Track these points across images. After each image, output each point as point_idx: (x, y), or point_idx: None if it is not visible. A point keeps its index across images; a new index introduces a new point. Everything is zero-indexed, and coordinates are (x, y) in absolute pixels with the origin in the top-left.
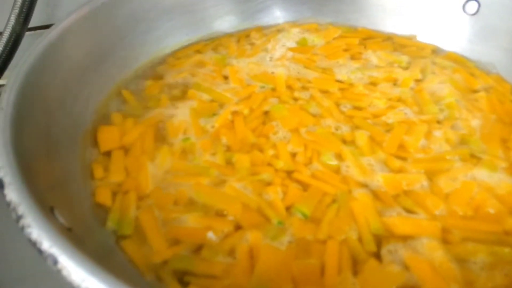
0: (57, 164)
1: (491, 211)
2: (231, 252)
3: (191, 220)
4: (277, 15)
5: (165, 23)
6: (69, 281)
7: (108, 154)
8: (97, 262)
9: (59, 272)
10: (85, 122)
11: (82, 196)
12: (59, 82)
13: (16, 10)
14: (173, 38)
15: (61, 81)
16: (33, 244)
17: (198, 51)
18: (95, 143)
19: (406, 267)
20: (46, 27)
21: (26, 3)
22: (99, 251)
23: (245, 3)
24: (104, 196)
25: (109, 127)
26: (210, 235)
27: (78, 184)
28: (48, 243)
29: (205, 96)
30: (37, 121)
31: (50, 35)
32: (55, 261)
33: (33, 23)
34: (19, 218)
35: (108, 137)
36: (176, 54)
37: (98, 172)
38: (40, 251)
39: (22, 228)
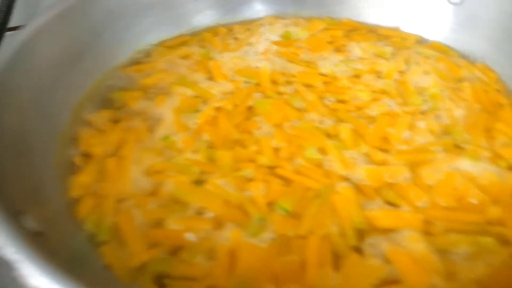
0: (29, 167)
1: (474, 201)
2: (211, 252)
3: (170, 222)
4: (260, 9)
5: (145, 19)
6: None
7: (87, 156)
8: (62, 268)
9: (20, 279)
10: (62, 123)
11: (58, 200)
12: (33, 82)
13: None
14: (153, 35)
15: (35, 82)
16: None
17: (182, 46)
18: (72, 144)
19: (387, 260)
20: None
21: (5, 2)
22: (75, 257)
23: None
24: (82, 201)
25: (89, 130)
26: (189, 236)
27: (54, 188)
28: (11, 249)
29: (189, 92)
30: (9, 123)
31: (22, 35)
32: (16, 268)
33: (14, 22)
34: None
35: (89, 140)
36: (159, 49)
37: (77, 175)
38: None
39: None
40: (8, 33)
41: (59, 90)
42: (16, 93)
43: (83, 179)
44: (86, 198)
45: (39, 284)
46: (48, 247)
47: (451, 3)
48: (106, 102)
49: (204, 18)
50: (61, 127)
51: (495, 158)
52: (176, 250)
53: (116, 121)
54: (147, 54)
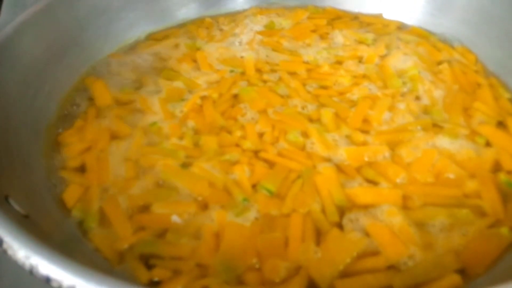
0: (16, 156)
1: (451, 176)
2: (196, 234)
3: (156, 206)
4: (243, 0)
5: (129, 13)
6: (15, 260)
7: (71, 147)
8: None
9: (5, 252)
10: (48, 116)
11: (45, 188)
12: (18, 77)
13: None
14: (139, 28)
15: (20, 76)
16: None
17: (169, 38)
18: (58, 136)
19: (366, 234)
20: None
21: None
22: (65, 242)
23: None
24: (69, 190)
25: (69, 131)
26: (175, 218)
27: (40, 176)
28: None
29: (175, 83)
30: None
31: (7, 30)
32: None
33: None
34: None
35: (72, 133)
36: (146, 42)
37: (63, 166)
38: None
39: None
40: None
41: (45, 84)
42: (2, 87)
43: (69, 170)
44: (72, 187)
45: (36, 263)
46: (40, 232)
47: None
48: (91, 95)
49: (189, 11)
50: (47, 119)
51: (473, 135)
52: (163, 232)
53: (102, 112)
54: (134, 46)
